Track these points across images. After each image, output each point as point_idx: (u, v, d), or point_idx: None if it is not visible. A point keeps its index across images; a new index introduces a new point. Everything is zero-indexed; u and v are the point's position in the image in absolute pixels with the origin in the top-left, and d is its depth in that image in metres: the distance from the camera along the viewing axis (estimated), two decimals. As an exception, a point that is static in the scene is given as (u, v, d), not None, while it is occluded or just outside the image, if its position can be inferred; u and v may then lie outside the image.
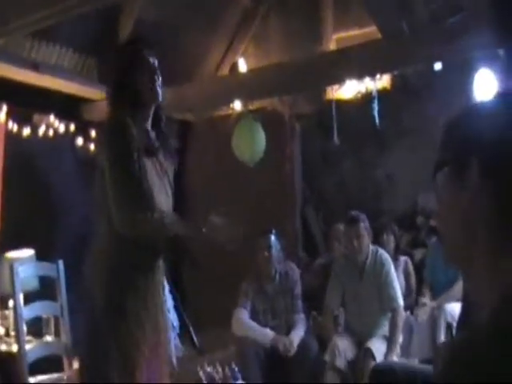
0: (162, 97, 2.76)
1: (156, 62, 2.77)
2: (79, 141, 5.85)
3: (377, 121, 5.82)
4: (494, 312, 0.98)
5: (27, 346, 4.27)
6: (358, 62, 5.07)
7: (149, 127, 2.75)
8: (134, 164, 2.52)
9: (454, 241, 1.11)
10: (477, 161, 1.03)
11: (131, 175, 2.52)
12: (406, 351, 4.77)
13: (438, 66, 5.24)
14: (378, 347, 4.54)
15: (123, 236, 2.55)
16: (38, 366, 4.30)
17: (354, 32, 6.75)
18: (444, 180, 1.11)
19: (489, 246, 1.04)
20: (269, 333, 4.82)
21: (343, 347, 4.62)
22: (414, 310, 5.08)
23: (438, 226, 1.26)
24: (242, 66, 6.98)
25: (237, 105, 6.13)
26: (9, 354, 4.45)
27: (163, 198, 2.71)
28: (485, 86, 5.02)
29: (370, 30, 6.04)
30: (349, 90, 6.45)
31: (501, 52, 4.67)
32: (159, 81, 2.74)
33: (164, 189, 2.73)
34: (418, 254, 5.89)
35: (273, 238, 5.11)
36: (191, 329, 2.82)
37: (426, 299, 5.15)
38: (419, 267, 5.55)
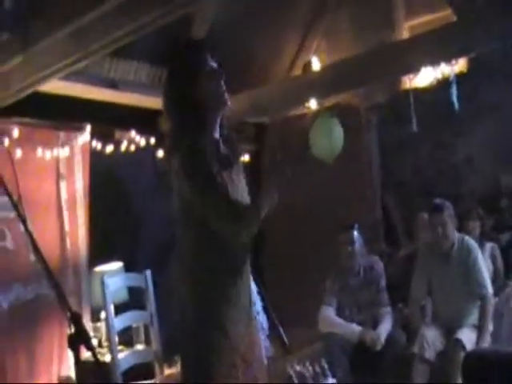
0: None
1: (218, 66, 2.58)
2: (160, 153, 5.99)
3: (456, 106, 5.67)
4: None
5: (119, 355, 4.40)
6: (431, 47, 4.94)
7: (217, 136, 2.62)
8: (216, 179, 2.44)
9: None
10: None
11: (219, 188, 2.44)
12: (496, 338, 4.63)
13: (514, 41, 5.02)
14: (468, 337, 4.45)
15: (212, 243, 2.52)
16: (131, 374, 4.43)
17: (426, 18, 6.60)
18: None
19: None
20: (356, 328, 4.80)
21: (432, 338, 4.55)
22: (503, 295, 4.93)
23: None
24: (316, 64, 6.94)
25: (312, 103, 6.11)
26: (103, 364, 4.65)
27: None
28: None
29: (443, 15, 5.88)
30: (425, 77, 6.32)
31: None
32: (224, 86, 2.57)
33: (244, 195, 2.70)
34: (504, 237, 5.70)
35: (355, 232, 5.08)
36: (280, 329, 2.86)
37: (514, 283, 5.00)
38: (506, 251, 5.38)
